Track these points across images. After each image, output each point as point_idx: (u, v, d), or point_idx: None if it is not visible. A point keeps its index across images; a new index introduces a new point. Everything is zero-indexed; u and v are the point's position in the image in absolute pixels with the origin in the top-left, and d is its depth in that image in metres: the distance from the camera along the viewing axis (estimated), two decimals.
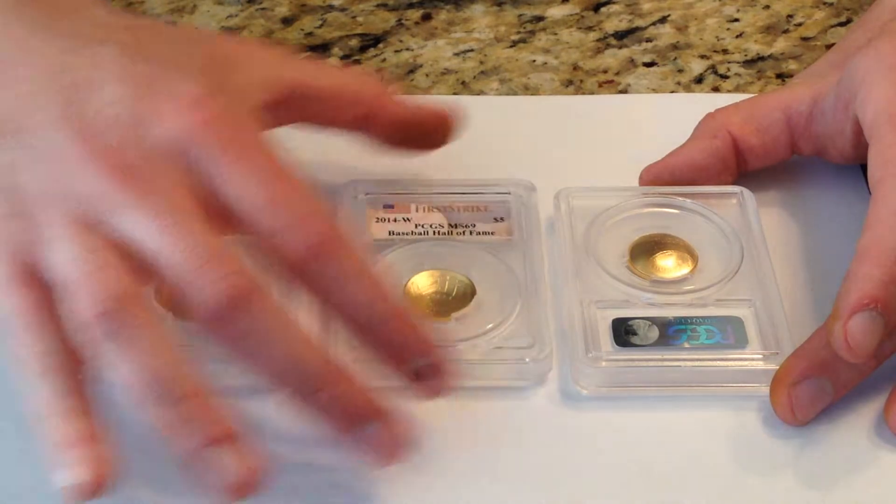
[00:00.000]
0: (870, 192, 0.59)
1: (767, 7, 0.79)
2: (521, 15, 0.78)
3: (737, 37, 0.77)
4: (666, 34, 0.77)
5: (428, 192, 0.65)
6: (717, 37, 0.77)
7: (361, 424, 0.53)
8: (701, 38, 0.77)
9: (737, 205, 0.64)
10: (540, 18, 0.78)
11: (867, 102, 0.61)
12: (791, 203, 0.66)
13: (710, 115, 0.66)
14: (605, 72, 0.74)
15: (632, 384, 0.58)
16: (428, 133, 0.63)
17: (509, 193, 0.64)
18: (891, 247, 0.56)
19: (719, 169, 0.66)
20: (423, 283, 0.60)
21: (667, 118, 0.69)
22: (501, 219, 0.63)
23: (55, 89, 0.55)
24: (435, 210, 0.64)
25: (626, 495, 0.55)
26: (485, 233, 0.63)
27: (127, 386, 0.51)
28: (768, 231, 0.63)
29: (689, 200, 0.64)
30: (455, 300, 0.60)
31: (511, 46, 0.76)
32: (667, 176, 0.65)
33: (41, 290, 0.53)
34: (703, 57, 0.75)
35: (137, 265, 0.52)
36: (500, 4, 0.79)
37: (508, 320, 0.59)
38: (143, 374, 0.51)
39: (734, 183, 0.66)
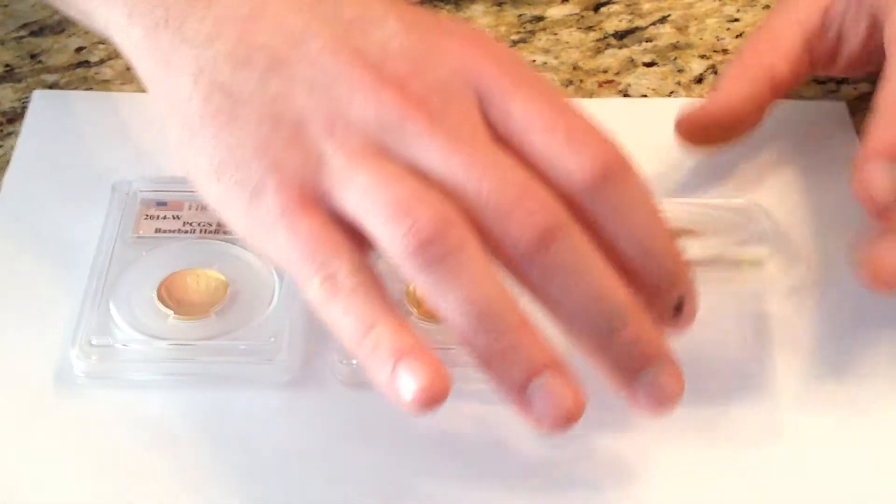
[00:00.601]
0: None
1: (767, 7, 0.79)
2: (521, 15, 0.78)
3: (737, 37, 0.77)
4: (666, 34, 0.77)
5: None
6: (717, 37, 0.77)
7: (649, 368, 0.51)
8: (701, 38, 0.77)
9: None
10: (540, 18, 0.78)
11: (889, 12, 0.62)
12: (794, 202, 0.67)
13: (739, 59, 0.66)
14: (605, 72, 0.74)
15: None
16: None
17: None
18: None
19: (754, 111, 0.66)
20: None
21: (667, 121, 0.69)
22: None
23: (326, 23, 0.53)
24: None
25: (625, 493, 0.55)
26: None
27: (456, 316, 0.50)
28: None
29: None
30: None
31: (511, 46, 0.76)
32: (709, 122, 0.65)
33: (329, 215, 0.51)
34: (703, 57, 0.75)
35: (440, 194, 0.50)
36: (500, 4, 0.79)
37: None
38: (472, 305, 0.49)
39: None
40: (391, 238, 0.50)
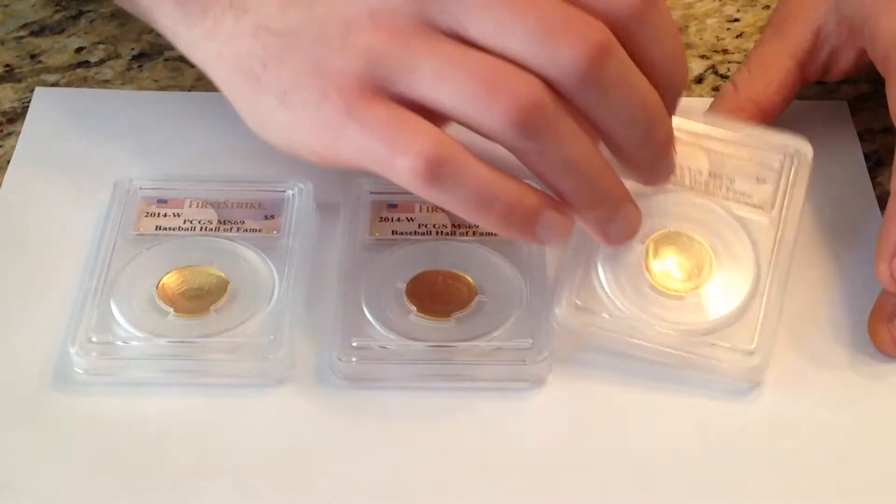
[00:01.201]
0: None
1: (767, 7, 0.79)
2: None
3: (737, 37, 0.77)
4: None
5: None
6: (717, 37, 0.77)
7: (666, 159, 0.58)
8: (701, 38, 0.77)
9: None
10: None
11: (876, 38, 0.63)
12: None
13: (730, 86, 0.68)
14: None
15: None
16: None
17: None
18: None
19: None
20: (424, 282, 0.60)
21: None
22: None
23: None
24: (438, 210, 0.64)
25: (625, 493, 0.55)
26: (488, 233, 0.63)
27: (562, 175, 0.54)
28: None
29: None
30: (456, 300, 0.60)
31: None
32: None
33: (396, 103, 0.53)
34: (703, 57, 0.75)
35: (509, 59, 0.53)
36: None
37: (509, 321, 0.59)
38: (576, 163, 0.54)
39: None
40: (490, 115, 0.52)
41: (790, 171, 0.62)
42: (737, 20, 0.78)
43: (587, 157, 0.54)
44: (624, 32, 0.54)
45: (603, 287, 0.59)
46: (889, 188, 0.60)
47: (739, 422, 0.57)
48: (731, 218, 0.61)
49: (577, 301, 0.58)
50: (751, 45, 0.75)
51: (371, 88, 0.53)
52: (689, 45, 0.76)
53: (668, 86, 0.56)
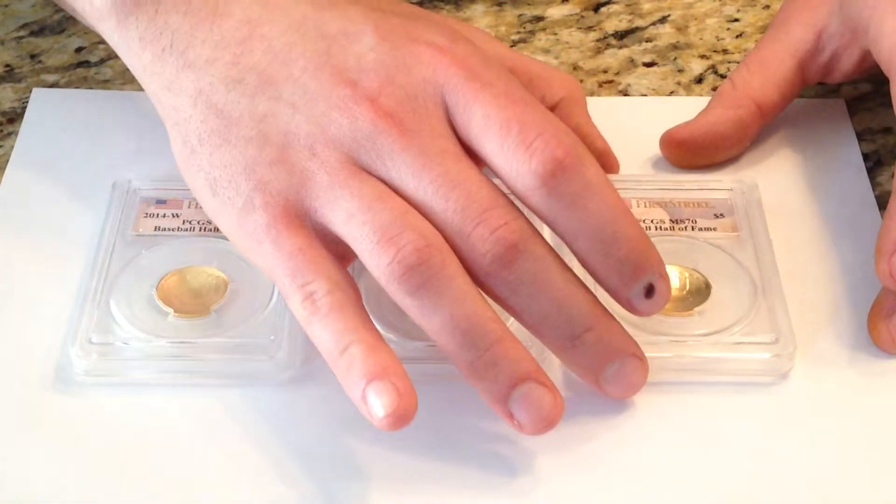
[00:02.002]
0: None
1: (767, 7, 0.79)
2: (521, 15, 0.78)
3: (737, 37, 0.77)
4: (666, 34, 0.77)
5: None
6: (717, 37, 0.77)
7: (614, 362, 0.55)
8: (701, 38, 0.77)
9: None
10: (540, 18, 0.78)
11: (881, 37, 0.63)
12: (795, 199, 0.67)
13: (729, 83, 0.68)
14: (605, 72, 0.74)
15: None
16: None
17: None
18: None
19: (740, 137, 0.67)
20: None
21: (667, 119, 0.69)
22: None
23: (310, 41, 0.56)
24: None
25: (625, 492, 0.55)
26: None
27: (442, 335, 0.53)
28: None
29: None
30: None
31: (511, 46, 0.76)
32: (689, 142, 0.67)
33: (313, 231, 0.54)
34: (703, 57, 0.75)
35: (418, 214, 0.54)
36: (500, 4, 0.79)
37: (509, 320, 0.59)
38: (456, 325, 0.53)
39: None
40: (377, 265, 0.53)
41: (743, 203, 0.64)
42: (737, 20, 0.78)
43: (468, 316, 0.53)
44: (538, 207, 0.54)
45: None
46: (889, 188, 0.60)
47: (739, 421, 0.57)
48: (706, 244, 0.62)
49: None
50: (751, 45, 0.75)
51: (294, 212, 0.54)
52: (689, 45, 0.76)
53: (608, 262, 0.54)
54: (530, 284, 0.53)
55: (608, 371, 0.55)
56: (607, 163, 0.65)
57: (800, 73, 0.68)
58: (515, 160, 0.54)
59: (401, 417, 0.51)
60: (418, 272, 0.52)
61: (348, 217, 0.54)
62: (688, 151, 0.67)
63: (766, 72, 0.67)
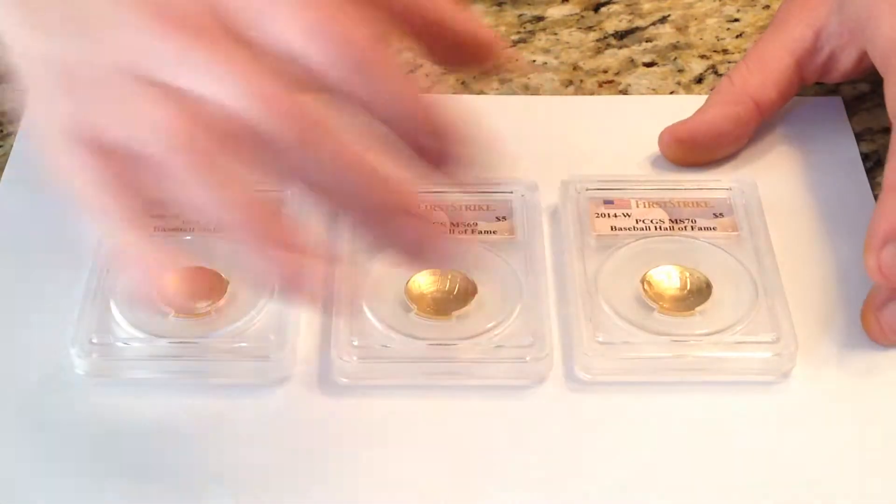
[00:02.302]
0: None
1: (767, 7, 0.79)
2: (521, 15, 0.78)
3: (737, 37, 0.77)
4: (666, 34, 0.77)
5: (430, 191, 0.64)
6: (717, 37, 0.77)
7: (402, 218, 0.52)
8: (701, 38, 0.77)
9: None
10: (540, 18, 0.78)
11: (876, 37, 0.63)
12: (794, 198, 0.67)
13: (727, 80, 0.68)
14: (605, 72, 0.74)
15: (637, 372, 0.58)
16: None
17: (512, 192, 0.64)
18: None
19: (739, 134, 0.67)
20: (424, 281, 0.60)
21: (667, 119, 0.69)
22: (504, 217, 0.63)
23: None
24: (437, 209, 0.64)
25: (627, 493, 0.55)
26: (487, 231, 0.63)
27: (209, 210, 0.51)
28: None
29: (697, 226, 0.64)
30: (456, 299, 0.60)
31: (511, 46, 0.76)
32: (688, 140, 0.67)
33: (106, 153, 0.52)
34: (703, 57, 0.75)
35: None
36: (500, 4, 0.79)
37: (509, 319, 0.59)
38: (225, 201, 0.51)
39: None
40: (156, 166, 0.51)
41: (743, 203, 0.64)
42: (737, 20, 0.78)
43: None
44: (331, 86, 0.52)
45: (615, 324, 0.59)
46: None
47: (738, 419, 0.57)
48: (706, 244, 0.62)
49: (598, 338, 0.58)
50: (751, 45, 0.75)
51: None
52: (689, 45, 0.76)
53: (405, 128, 0.53)
54: (333, 158, 0.51)
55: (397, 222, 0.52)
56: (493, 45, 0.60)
57: (798, 71, 0.68)
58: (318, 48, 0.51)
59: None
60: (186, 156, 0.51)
61: (129, 128, 0.52)
62: (687, 149, 0.67)
63: (765, 70, 0.67)
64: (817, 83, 0.70)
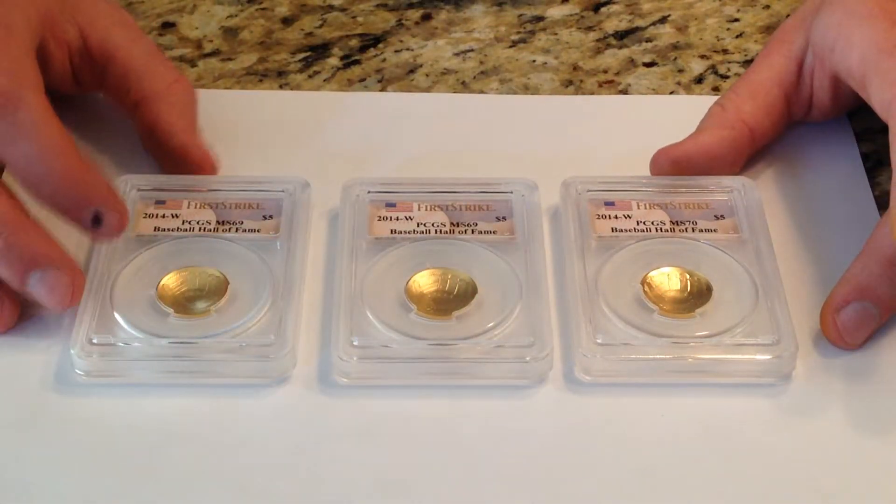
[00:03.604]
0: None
1: (767, 7, 0.79)
2: (521, 15, 0.78)
3: (737, 37, 0.77)
4: (666, 34, 0.77)
5: (430, 191, 0.64)
6: (717, 37, 0.77)
7: (36, 270, 0.58)
8: (701, 38, 0.77)
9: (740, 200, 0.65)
10: (540, 18, 0.78)
11: (849, 49, 0.63)
12: (794, 199, 0.67)
13: (719, 106, 0.67)
14: (605, 72, 0.74)
15: (636, 374, 0.58)
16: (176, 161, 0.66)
17: (511, 192, 0.64)
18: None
19: (733, 158, 0.66)
20: (424, 281, 0.60)
21: (667, 118, 0.69)
22: (504, 218, 0.63)
23: None
24: (437, 209, 0.64)
25: (626, 493, 0.55)
26: (487, 231, 0.63)
27: None
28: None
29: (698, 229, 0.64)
30: (456, 299, 0.60)
31: (511, 46, 0.76)
32: (683, 162, 0.66)
33: None
34: (703, 57, 0.75)
35: None
36: (500, 4, 0.79)
37: (509, 319, 0.59)
38: None
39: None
40: None
41: (743, 204, 0.64)
42: (737, 20, 0.78)
43: None
44: None
45: (615, 325, 0.59)
46: (888, 188, 0.60)
47: (738, 421, 0.57)
48: (707, 246, 0.62)
49: (598, 339, 0.58)
50: (751, 45, 0.76)
51: None
52: (689, 45, 0.76)
53: (50, 193, 0.59)
54: None
55: (32, 279, 0.58)
56: (200, 166, 0.66)
57: (786, 103, 0.67)
58: None
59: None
60: None
61: None
62: (681, 171, 0.66)
63: (756, 99, 0.67)
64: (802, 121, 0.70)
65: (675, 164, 0.66)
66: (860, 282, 0.59)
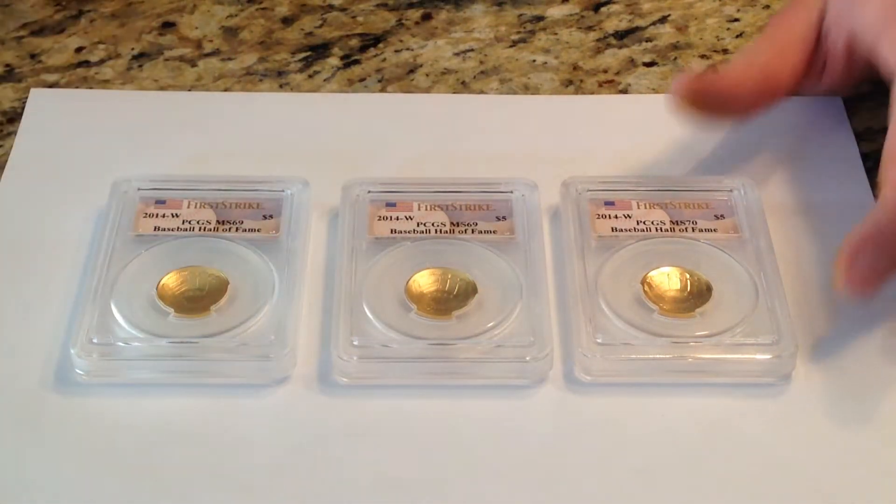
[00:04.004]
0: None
1: (767, 7, 0.79)
2: (521, 15, 0.78)
3: (737, 37, 0.77)
4: (666, 34, 0.77)
5: (430, 191, 0.64)
6: (717, 37, 0.77)
7: None
8: (701, 38, 0.77)
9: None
10: (540, 18, 0.78)
11: (868, 4, 0.63)
12: (794, 199, 0.67)
13: (748, 53, 0.67)
14: (605, 72, 0.74)
15: (636, 373, 0.58)
16: None
17: (511, 192, 0.64)
18: None
19: (756, 101, 0.66)
20: (424, 281, 0.60)
21: (667, 118, 0.69)
22: (504, 217, 0.63)
23: None
24: (437, 208, 0.64)
25: (626, 494, 0.55)
26: (487, 231, 0.63)
27: None
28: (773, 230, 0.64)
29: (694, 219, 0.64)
30: (456, 298, 0.60)
31: (511, 46, 0.76)
32: (708, 87, 0.65)
33: None
34: (703, 57, 0.75)
35: None
36: (500, 4, 0.79)
37: (509, 319, 0.59)
38: None
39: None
40: None
41: (744, 204, 0.64)
42: (737, 20, 0.78)
43: None
44: None
45: (615, 325, 0.59)
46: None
47: (738, 421, 0.57)
48: (707, 245, 0.62)
49: (598, 339, 0.58)
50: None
51: None
52: (689, 45, 0.76)
53: None
54: None
55: None
56: None
57: (805, 60, 0.67)
58: None
59: None
60: None
61: None
62: (702, 96, 0.65)
63: (774, 41, 0.67)
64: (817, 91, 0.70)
65: (699, 93, 0.65)
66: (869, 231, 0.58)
